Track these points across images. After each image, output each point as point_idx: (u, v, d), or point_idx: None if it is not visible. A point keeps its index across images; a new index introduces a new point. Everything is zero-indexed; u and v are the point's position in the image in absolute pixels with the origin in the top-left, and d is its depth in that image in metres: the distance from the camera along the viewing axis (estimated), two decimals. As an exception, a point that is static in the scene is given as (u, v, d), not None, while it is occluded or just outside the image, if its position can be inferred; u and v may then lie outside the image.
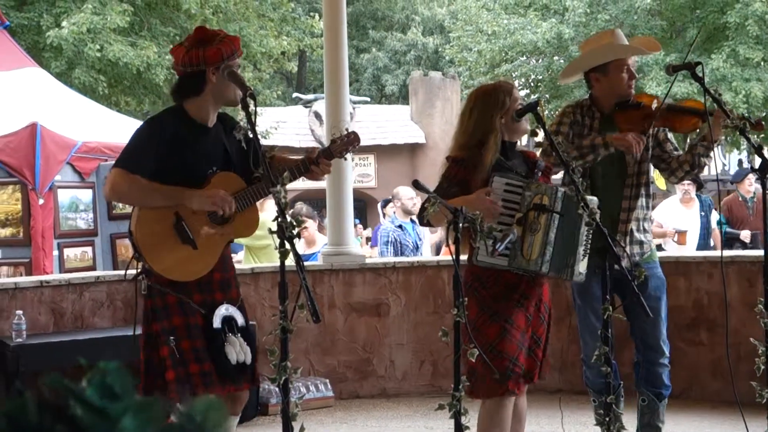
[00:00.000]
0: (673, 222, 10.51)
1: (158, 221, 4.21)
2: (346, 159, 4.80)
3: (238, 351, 4.22)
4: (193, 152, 4.23)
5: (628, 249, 5.02)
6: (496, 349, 4.16)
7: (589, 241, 4.36)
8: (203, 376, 4.14)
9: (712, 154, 5.04)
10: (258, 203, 4.44)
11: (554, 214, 4.21)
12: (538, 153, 4.85)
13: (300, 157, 4.38)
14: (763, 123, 4.89)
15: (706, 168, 5.26)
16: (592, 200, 4.23)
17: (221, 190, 4.20)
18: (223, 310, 4.25)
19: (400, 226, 9.51)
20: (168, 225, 4.21)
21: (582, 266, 4.33)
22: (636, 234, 5.12)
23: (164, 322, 4.18)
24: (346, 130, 4.61)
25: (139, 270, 4.29)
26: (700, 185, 11.05)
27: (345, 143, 4.47)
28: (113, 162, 4.34)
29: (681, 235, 10.22)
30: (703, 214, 10.73)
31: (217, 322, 4.21)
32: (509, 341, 4.25)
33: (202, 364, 4.16)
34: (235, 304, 4.33)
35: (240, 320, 4.30)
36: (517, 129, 4.46)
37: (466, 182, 4.35)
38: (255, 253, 7.98)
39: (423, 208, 4.25)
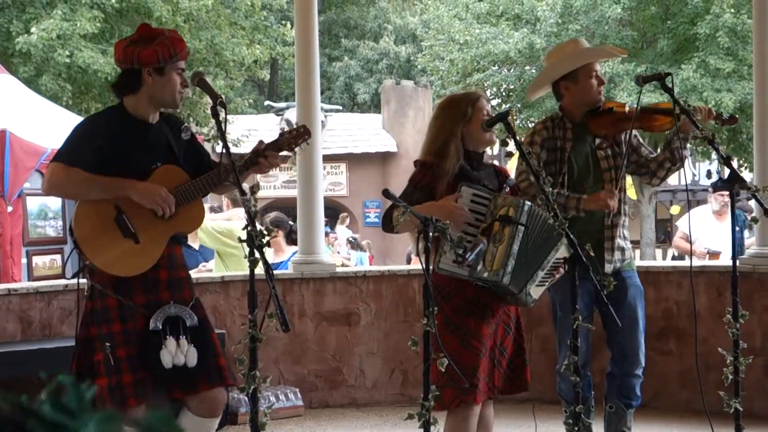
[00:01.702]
0: (705, 237, 9.00)
1: (98, 215, 4.08)
2: (296, 153, 4.74)
3: (174, 353, 4.06)
4: (133, 147, 4.13)
5: (611, 256, 5.03)
6: (455, 360, 4.09)
7: (554, 275, 4.33)
8: (136, 387, 4.02)
9: (687, 145, 5.05)
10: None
11: (519, 226, 4.19)
12: (509, 163, 4.85)
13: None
14: (737, 116, 4.90)
15: (675, 177, 5.27)
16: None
17: (164, 190, 4.10)
18: (168, 309, 4.11)
19: None
20: (108, 218, 4.08)
21: (534, 290, 4.27)
22: (617, 240, 5.12)
23: (103, 326, 4.05)
24: (296, 124, 4.56)
25: (81, 267, 4.14)
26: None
27: (294, 136, 4.37)
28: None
29: (713, 257, 8.70)
30: (737, 229, 9.23)
31: (155, 323, 4.07)
32: (469, 352, 4.23)
33: (135, 373, 4.03)
34: (186, 304, 4.18)
35: (189, 321, 4.14)
36: (482, 139, 4.45)
37: (430, 188, 4.34)
38: (224, 259, 7.93)
39: (387, 215, 4.24)
